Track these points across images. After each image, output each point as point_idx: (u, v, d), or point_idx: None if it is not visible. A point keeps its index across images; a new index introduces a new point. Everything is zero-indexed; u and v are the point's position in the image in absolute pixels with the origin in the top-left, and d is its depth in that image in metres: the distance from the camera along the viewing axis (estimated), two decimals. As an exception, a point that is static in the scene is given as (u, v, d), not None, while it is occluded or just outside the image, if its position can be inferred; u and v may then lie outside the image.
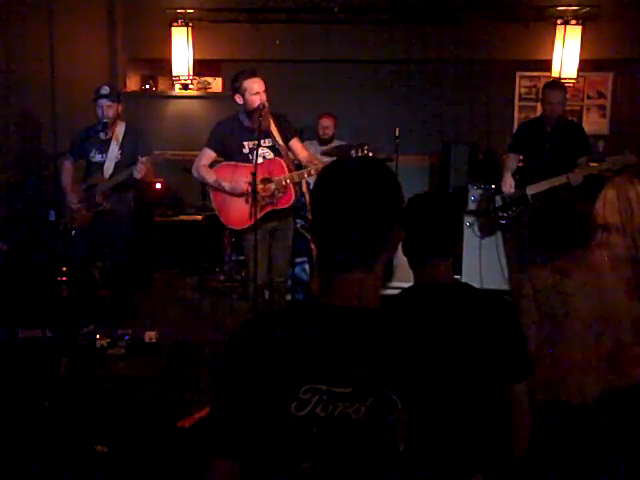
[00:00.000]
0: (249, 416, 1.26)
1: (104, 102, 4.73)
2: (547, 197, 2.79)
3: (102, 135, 4.81)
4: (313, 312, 1.31)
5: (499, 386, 1.96)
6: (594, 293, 2.32)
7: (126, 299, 5.20)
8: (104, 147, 4.84)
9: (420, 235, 1.97)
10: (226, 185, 4.31)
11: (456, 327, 1.70)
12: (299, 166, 4.52)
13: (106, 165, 4.84)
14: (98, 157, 4.86)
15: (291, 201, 4.32)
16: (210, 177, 4.39)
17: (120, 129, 4.87)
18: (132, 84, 7.26)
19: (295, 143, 4.42)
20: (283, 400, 1.24)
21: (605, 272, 2.43)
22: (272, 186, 4.23)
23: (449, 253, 2.01)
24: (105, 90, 4.75)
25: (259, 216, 4.23)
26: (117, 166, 4.85)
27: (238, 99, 4.24)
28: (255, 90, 4.18)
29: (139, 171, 4.70)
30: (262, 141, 4.25)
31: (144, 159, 4.69)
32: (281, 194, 4.25)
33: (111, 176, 4.85)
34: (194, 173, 4.46)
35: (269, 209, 4.28)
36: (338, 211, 1.28)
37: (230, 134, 4.35)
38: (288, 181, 4.23)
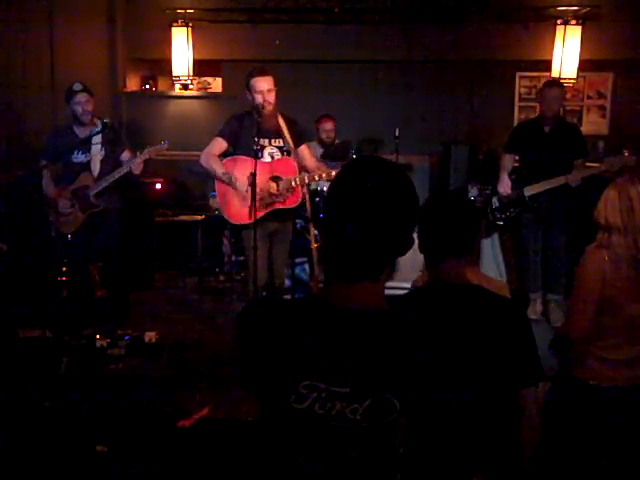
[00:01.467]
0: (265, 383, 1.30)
1: (82, 96, 4.68)
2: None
3: (81, 134, 4.76)
4: (317, 310, 1.31)
5: (508, 390, 1.94)
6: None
7: (125, 299, 5.19)
8: (86, 146, 4.77)
9: (437, 234, 1.96)
10: (237, 184, 4.27)
11: (464, 330, 1.69)
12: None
13: (92, 165, 4.79)
14: (81, 157, 4.79)
15: (298, 201, 4.39)
16: (219, 169, 4.34)
17: (98, 126, 4.79)
18: (132, 84, 7.26)
19: (304, 150, 4.49)
20: (284, 389, 1.25)
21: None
22: (282, 184, 4.30)
23: (465, 253, 2.00)
24: (79, 86, 4.70)
25: (263, 213, 4.30)
26: (102, 164, 4.80)
27: (248, 96, 4.30)
28: (259, 89, 4.22)
29: (137, 166, 4.69)
30: (272, 140, 4.35)
31: (144, 153, 4.68)
32: (289, 194, 4.32)
33: (99, 175, 4.79)
34: (202, 162, 4.41)
35: (276, 207, 4.33)
36: (353, 223, 1.26)
37: (244, 128, 4.36)
38: (298, 181, 4.29)
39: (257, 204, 4.26)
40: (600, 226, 2.63)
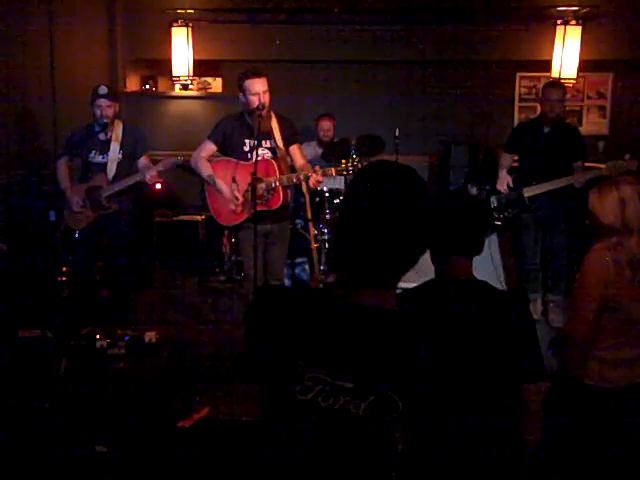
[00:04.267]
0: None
1: (103, 102, 4.70)
2: None
3: (101, 135, 4.78)
4: (328, 304, 1.32)
5: (511, 387, 1.94)
6: None
7: (126, 299, 5.20)
8: (104, 148, 4.81)
9: (447, 231, 1.96)
10: (219, 183, 4.40)
11: (469, 327, 1.70)
12: (294, 170, 4.55)
13: (109, 166, 4.82)
14: (98, 158, 4.83)
15: (279, 202, 4.36)
16: (205, 170, 4.45)
17: (119, 129, 4.84)
18: (132, 84, 7.26)
19: (295, 150, 4.48)
20: (289, 380, 1.26)
21: None
22: (263, 186, 4.29)
23: (473, 252, 2.00)
24: (103, 90, 4.72)
25: (247, 215, 4.34)
26: (119, 167, 4.84)
27: (241, 97, 4.31)
28: (255, 90, 4.22)
29: (152, 177, 4.71)
30: (263, 141, 4.34)
31: (159, 165, 4.71)
32: (270, 195, 4.32)
33: (114, 177, 4.82)
34: (192, 163, 4.52)
35: (261, 208, 4.31)
36: (370, 236, 1.26)
37: (233, 130, 4.41)
38: (277, 183, 4.29)
39: (241, 207, 4.35)
40: (606, 227, 2.59)
